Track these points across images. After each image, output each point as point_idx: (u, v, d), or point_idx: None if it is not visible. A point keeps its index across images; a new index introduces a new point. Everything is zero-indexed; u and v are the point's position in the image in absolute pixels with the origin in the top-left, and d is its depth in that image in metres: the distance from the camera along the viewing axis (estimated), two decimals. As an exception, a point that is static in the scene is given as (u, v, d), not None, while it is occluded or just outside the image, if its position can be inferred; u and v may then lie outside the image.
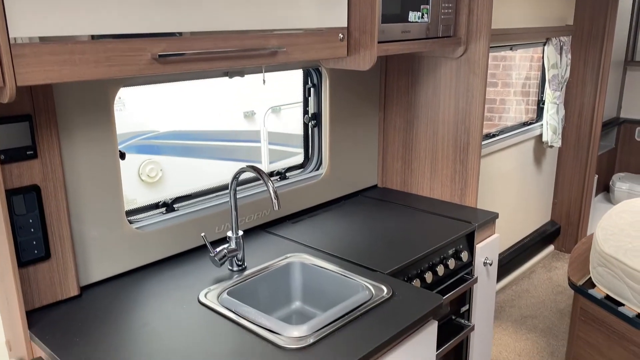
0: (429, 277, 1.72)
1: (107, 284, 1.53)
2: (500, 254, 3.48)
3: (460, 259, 1.87)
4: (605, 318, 2.27)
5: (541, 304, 3.31)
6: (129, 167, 2.50)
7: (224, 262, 1.56)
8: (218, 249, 1.56)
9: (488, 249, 2.00)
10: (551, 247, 4.04)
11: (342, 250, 1.72)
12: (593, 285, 2.41)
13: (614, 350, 2.25)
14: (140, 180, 2.53)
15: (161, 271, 1.60)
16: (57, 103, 1.35)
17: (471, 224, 1.93)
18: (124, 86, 1.49)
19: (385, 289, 1.46)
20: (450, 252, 1.84)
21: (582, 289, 2.38)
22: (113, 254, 1.53)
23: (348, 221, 1.98)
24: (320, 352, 1.20)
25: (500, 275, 3.49)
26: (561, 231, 4.03)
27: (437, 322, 1.47)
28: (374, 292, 1.44)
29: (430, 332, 1.44)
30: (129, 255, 1.57)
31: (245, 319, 1.33)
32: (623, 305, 2.24)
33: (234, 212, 1.59)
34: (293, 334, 1.26)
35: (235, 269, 1.60)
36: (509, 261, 3.51)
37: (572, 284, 2.45)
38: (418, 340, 1.40)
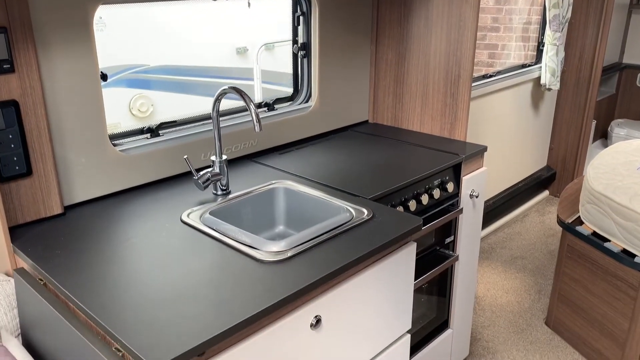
0: (412, 205, 1.73)
1: (91, 204, 1.54)
2: (493, 197, 3.50)
3: (445, 189, 1.88)
4: (591, 254, 2.30)
5: (532, 246, 3.35)
6: (120, 101, 2.49)
7: (207, 186, 1.57)
8: (201, 173, 1.57)
9: (475, 181, 2.00)
10: (546, 193, 4.06)
11: (326, 178, 1.73)
12: (581, 223, 2.43)
13: (598, 285, 2.28)
14: (131, 115, 2.52)
15: (145, 194, 1.62)
16: (33, 16, 1.32)
17: (458, 155, 1.92)
18: (104, 3, 1.46)
19: (365, 211, 1.47)
20: (436, 182, 1.85)
21: (570, 226, 2.40)
22: (97, 175, 1.54)
23: (336, 153, 1.97)
24: (297, 265, 1.22)
25: (493, 218, 3.52)
26: (556, 177, 4.03)
27: (415, 243, 1.49)
28: (354, 214, 1.45)
29: (409, 253, 1.46)
30: (114, 177, 1.58)
31: (225, 236, 1.35)
32: (609, 241, 2.26)
33: (217, 136, 1.58)
34: (272, 249, 1.28)
35: (219, 192, 1.61)
36: (502, 204, 3.53)
37: (560, 222, 2.46)
38: (397, 260, 1.42)
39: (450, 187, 1.88)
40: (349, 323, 1.32)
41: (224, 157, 1.60)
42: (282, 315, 1.16)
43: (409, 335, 1.56)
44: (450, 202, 1.93)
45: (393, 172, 1.78)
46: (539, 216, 3.75)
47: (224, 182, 1.61)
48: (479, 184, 2.03)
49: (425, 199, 1.77)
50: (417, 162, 1.86)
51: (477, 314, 2.69)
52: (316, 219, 1.55)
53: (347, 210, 1.47)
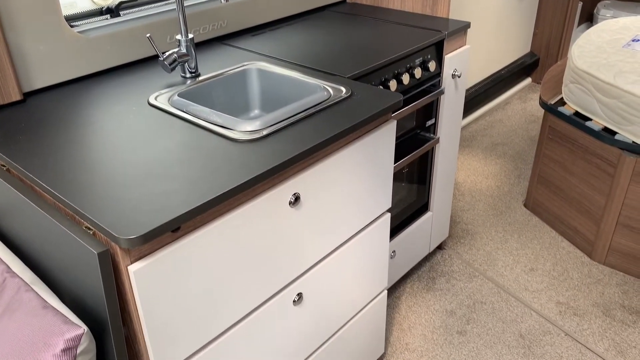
0: (393, 85, 1.67)
1: (52, 91, 1.45)
2: (475, 85, 3.43)
3: (427, 69, 1.80)
4: (572, 134, 2.29)
5: (513, 132, 3.34)
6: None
7: (174, 67, 1.47)
8: (167, 53, 1.47)
9: (457, 60, 1.93)
10: (528, 80, 4.00)
11: (302, 59, 1.64)
12: (563, 104, 2.40)
13: (577, 165, 2.29)
14: (92, 3, 2.33)
15: (110, 79, 1.52)
16: None
17: (441, 32, 1.83)
18: None
19: (343, 89, 1.40)
20: (418, 61, 1.77)
21: (552, 107, 2.37)
22: (56, 60, 1.44)
23: (312, 33, 1.86)
24: (274, 143, 1.17)
25: (475, 106, 3.48)
26: (539, 63, 3.95)
27: (396, 121, 1.44)
28: (332, 92, 1.39)
29: (389, 130, 1.41)
30: (74, 62, 1.48)
31: (196, 117, 1.28)
32: (590, 120, 2.24)
33: (181, 13, 1.46)
34: (246, 128, 1.22)
35: (187, 75, 1.52)
36: (484, 92, 3.48)
37: (543, 103, 2.43)
38: (377, 138, 1.38)
39: (432, 66, 1.80)
40: (329, 201, 1.31)
41: (191, 35, 1.50)
42: (259, 192, 1.13)
43: (389, 214, 1.55)
44: (432, 83, 1.87)
45: (372, 51, 1.69)
46: (521, 103, 3.72)
47: (192, 64, 1.52)
48: (461, 63, 1.96)
49: (406, 78, 1.70)
50: (397, 41, 1.77)
51: (457, 199, 2.72)
52: (292, 99, 1.49)
53: (324, 89, 1.40)
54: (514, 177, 2.90)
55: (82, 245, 0.92)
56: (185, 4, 1.75)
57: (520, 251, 2.37)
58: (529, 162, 3.03)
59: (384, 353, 1.90)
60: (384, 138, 1.41)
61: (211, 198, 0.99)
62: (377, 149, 1.40)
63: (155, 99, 1.38)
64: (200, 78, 1.49)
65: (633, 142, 2.05)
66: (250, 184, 1.05)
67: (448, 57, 1.88)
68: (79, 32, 1.48)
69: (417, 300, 2.13)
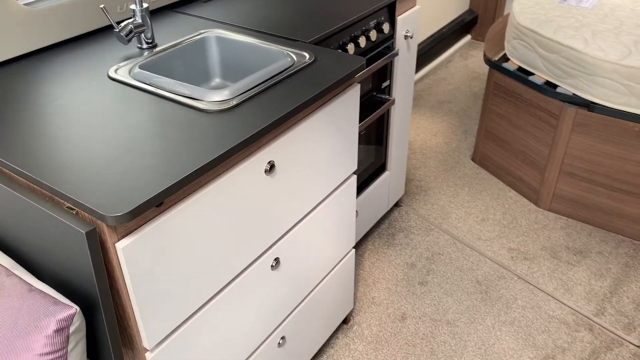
0: (351, 48, 1.69)
1: (2, 68, 1.38)
2: (419, 44, 3.49)
3: (381, 31, 1.83)
4: (516, 89, 2.40)
5: (457, 90, 3.45)
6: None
7: (131, 39, 1.43)
8: (122, 24, 1.42)
9: (409, 21, 1.96)
10: (468, 37, 4.10)
11: (259, 24, 1.62)
12: (506, 60, 2.50)
13: (522, 118, 2.41)
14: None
15: (62, 53, 1.46)
16: None
17: (392, -6, 1.85)
18: None
19: (307, 55, 1.41)
20: (372, 24, 1.79)
21: (497, 63, 2.46)
22: (3, 35, 1.36)
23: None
24: (244, 112, 1.18)
25: (419, 65, 3.55)
26: (478, 20, 4.05)
27: (359, 84, 1.47)
28: (295, 58, 1.39)
29: (354, 94, 1.44)
30: (23, 36, 1.41)
31: (161, 89, 1.26)
32: (533, 74, 2.35)
33: (135, -19, 1.42)
34: (214, 98, 1.22)
35: (144, 46, 1.48)
36: (427, 51, 3.55)
37: (487, 60, 2.52)
38: (342, 102, 1.41)
39: (385, 28, 1.83)
40: (301, 166, 1.33)
41: (145, 5, 1.45)
42: (236, 162, 1.14)
43: (355, 176, 1.60)
44: (386, 45, 1.90)
45: (328, 15, 1.70)
46: (462, 60, 3.82)
47: (148, 35, 1.48)
48: (413, 24, 2.00)
49: (362, 41, 1.73)
50: (351, 4, 1.78)
51: (409, 157, 2.81)
52: (255, 67, 1.48)
53: (287, 55, 1.40)
54: (460, 133, 3.01)
55: (67, 225, 0.92)
56: (132, -30, 1.68)
57: (472, 203, 2.49)
58: (473, 117, 3.15)
59: (353, 308, 1.98)
60: (349, 102, 1.44)
61: (192, 171, 0.99)
62: (343, 113, 1.43)
63: (116, 72, 1.34)
64: (158, 49, 1.46)
65: (573, 94, 2.18)
66: (228, 155, 1.06)
67: (400, 19, 1.91)
68: (25, 4, 1.41)
69: (379, 256, 2.22)
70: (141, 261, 0.98)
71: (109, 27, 1.61)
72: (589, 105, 2.14)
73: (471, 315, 1.96)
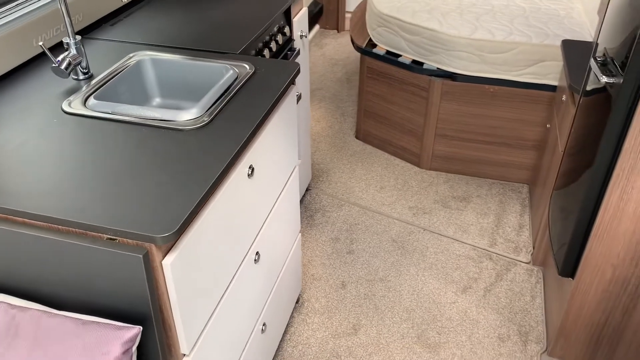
0: (267, 54, 1.85)
1: (-62, 120, 1.31)
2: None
3: (284, 34, 2.01)
4: (387, 70, 2.74)
5: (323, 77, 3.75)
6: None
7: (70, 71, 1.44)
8: (60, 58, 1.43)
9: (302, 22, 2.17)
10: (317, 27, 4.42)
11: (182, 41, 1.71)
12: (374, 45, 2.83)
13: (396, 95, 2.77)
14: None
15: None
16: None
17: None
18: None
19: (247, 66, 1.55)
20: (276, 29, 1.96)
21: (367, 50, 2.78)
22: None
23: (168, 14, 1.91)
24: (221, 126, 1.30)
25: (284, 58, 3.77)
26: (324, 10, 4.39)
27: (295, 85, 1.65)
28: (238, 70, 1.53)
29: (293, 95, 1.62)
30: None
31: (129, 116, 1.32)
32: (400, 56, 2.71)
33: (64, 10, 1.42)
34: (187, 118, 1.31)
35: (81, 77, 1.50)
36: (289, 44, 3.78)
37: (357, 48, 2.82)
38: (287, 104, 1.58)
39: (287, 30, 2.02)
40: (268, 165, 1.48)
41: (78, 37, 1.47)
42: (229, 172, 1.26)
43: (297, 167, 1.78)
44: (289, 47, 2.09)
45: (238, 25, 1.83)
46: (319, 49, 4.13)
47: (84, 65, 1.49)
48: (303, 24, 2.21)
49: (274, 46, 1.90)
50: (254, 12, 1.93)
51: (302, 144, 3.04)
52: (199, 83, 1.58)
53: (230, 69, 1.53)
54: (339, 116, 3.31)
55: (119, 254, 0.98)
56: (31, 5, 1.65)
57: (368, 175, 2.80)
58: (345, 100, 3.47)
59: (302, 288, 2.17)
60: (290, 102, 1.61)
61: (211, 183, 1.11)
62: (288, 113, 1.60)
63: (70, 105, 1.36)
64: (98, 78, 1.49)
65: (437, 68, 2.58)
66: (230, 165, 1.19)
67: (295, 21, 2.11)
68: (-54, 50, 1.34)
69: (305, 237, 2.42)
70: (181, 274, 1.08)
71: (30, 61, 1.58)
72: (452, 76, 2.56)
73: (397, 270, 2.27)
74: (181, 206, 1.04)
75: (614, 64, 1.49)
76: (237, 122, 1.31)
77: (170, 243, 1.04)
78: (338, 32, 4.44)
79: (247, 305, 1.49)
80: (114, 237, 1.02)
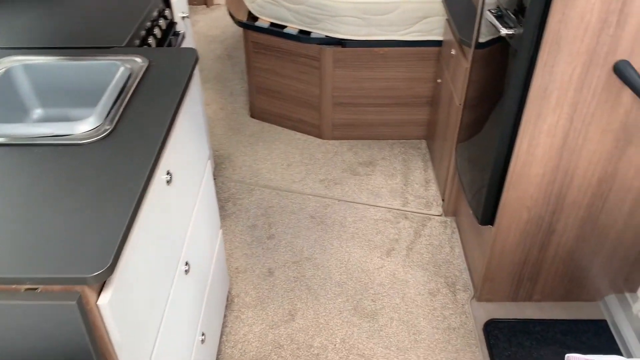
0: (152, 41, 1.67)
1: None
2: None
3: (165, 17, 1.84)
4: (274, 43, 2.64)
5: (202, 57, 3.55)
6: None
7: None
8: None
9: (180, 3, 2.00)
10: (185, 4, 4.16)
11: (54, 40, 1.49)
12: (256, 19, 2.70)
13: (287, 67, 2.68)
14: None
15: None
16: None
17: (161, -21, 1.86)
18: None
19: (138, 59, 1.39)
20: (156, 13, 1.78)
21: (249, 24, 2.65)
22: None
23: (29, 10, 1.66)
24: (126, 133, 1.15)
25: (157, 42, 3.51)
26: (189, -15, 4.13)
27: (198, 73, 1.51)
28: (130, 65, 1.36)
29: (196, 83, 1.48)
30: None
31: (14, 137, 1.12)
32: (286, 27, 2.62)
33: None
34: (85, 129, 1.15)
35: (-63, 97, 1.25)
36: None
37: (239, 23, 2.69)
38: (191, 94, 1.44)
39: (168, 14, 1.84)
40: (185, 165, 1.35)
41: None
42: (149, 183, 1.12)
43: (209, 161, 1.66)
44: (173, 31, 1.91)
45: (115, 14, 1.64)
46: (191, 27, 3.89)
47: (-62, 82, 1.24)
48: (183, 4, 2.03)
49: (158, 32, 1.72)
50: (121, 2, 1.74)
51: (196, 132, 2.87)
52: (88, 85, 1.38)
53: (120, 65, 1.36)
54: (228, 96, 3.17)
55: (47, 306, 0.83)
56: None
57: (272, 154, 2.72)
58: (231, 79, 3.32)
59: (229, 285, 2.07)
60: (195, 92, 1.47)
61: (133, 207, 0.97)
62: (193, 104, 1.47)
63: None
64: (-40, 95, 1.25)
65: (326, 36, 2.52)
66: (149, 176, 1.05)
67: (174, 2, 1.94)
68: None
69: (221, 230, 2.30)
70: (120, 310, 0.94)
71: None
72: (342, 42, 2.52)
73: (321, 245, 2.24)
74: (107, 234, 0.90)
75: (510, 15, 1.53)
76: (145, 125, 1.17)
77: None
78: (207, 6, 4.22)
79: (186, 319, 1.37)
80: (34, 287, 0.86)
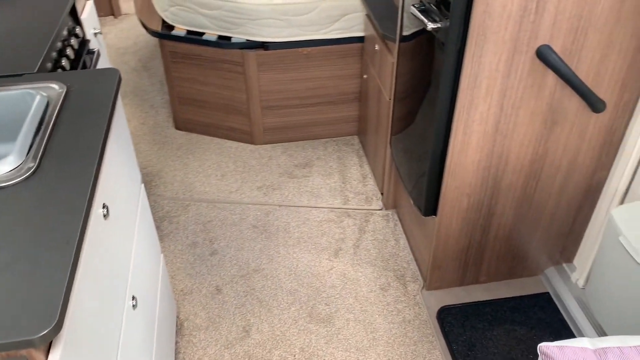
0: (66, 63, 1.55)
1: None
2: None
3: (77, 35, 1.71)
4: (194, 51, 2.55)
5: (121, 63, 3.37)
6: None
7: None
8: None
9: (91, 18, 1.87)
10: (90, 15, 3.94)
11: (-48, 71, 1.34)
12: (172, 27, 2.60)
13: (210, 75, 2.60)
14: None
15: None
16: None
17: (67, -5, 1.73)
18: None
19: (55, 86, 1.28)
20: (66, 32, 1.66)
21: (165, 34, 2.54)
22: None
23: None
24: (53, 170, 1.05)
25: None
26: (92, -4, 3.91)
27: (119, 95, 1.42)
28: (47, 93, 1.25)
29: (120, 108, 1.39)
30: None
31: None
32: (204, 33, 2.53)
33: None
34: (5, 169, 1.04)
35: None
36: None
37: (153, 33, 2.57)
38: (117, 117, 1.35)
39: (79, 31, 1.72)
40: (120, 195, 1.26)
41: None
42: (86, 221, 1.03)
43: (143, 185, 1.57)
44: (86, 49, 1.79)
45: (19, 36, 1.50)
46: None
47: None
48: (94, 20, 1.91)
49: (71, 52, 1.60)
50: (32, 18, 1.60)
51: (120, 150, 2.72)
52: (4, 119, 1.26)
53: (35, 94, 1.24)
54: (149, 109, 3.03)
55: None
56: None
57: (203, 166, 2.63)
58: (149, 91, 3.18)
59: (177, 309, 1.98)
60: (119, 115, 1.38)
61: (74, 252, 0.89)
62: (120, 128, 1.37)
63: None
64: None
65: (247, 40, 2.46)
66: (86, 216, 0.97)
67: (84, 18, 1.81)
68: None
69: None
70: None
71: None
72: (264, 45, 2.47)
73: (267, 255, 2.19)
74: (49, 287, 0.82)
75: (433, 8, 1.55)
76: (72, 157, 1.07)
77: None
78: (115, 17, 4.02)
79: (139, 357, 1.29)
80: (-30, 359, 0.76)
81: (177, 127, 2.86)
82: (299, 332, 1.91)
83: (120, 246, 1.23)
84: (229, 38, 2.49)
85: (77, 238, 0.90)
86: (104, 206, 1.13)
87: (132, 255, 1.34)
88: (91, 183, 1.01)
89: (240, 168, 2.62)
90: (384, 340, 1.88)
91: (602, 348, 0.86)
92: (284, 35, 2.44)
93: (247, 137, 2.75)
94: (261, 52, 2.47)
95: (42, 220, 0.93)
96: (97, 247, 1.05)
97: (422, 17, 1.55)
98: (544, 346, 0.88)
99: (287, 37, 2.45)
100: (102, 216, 1.11)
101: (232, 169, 2.61)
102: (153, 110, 3.01)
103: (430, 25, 1.51)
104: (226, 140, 2.79)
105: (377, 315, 1.96)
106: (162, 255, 1.73)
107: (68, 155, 1.08)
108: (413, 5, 1.63)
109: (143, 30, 3.76)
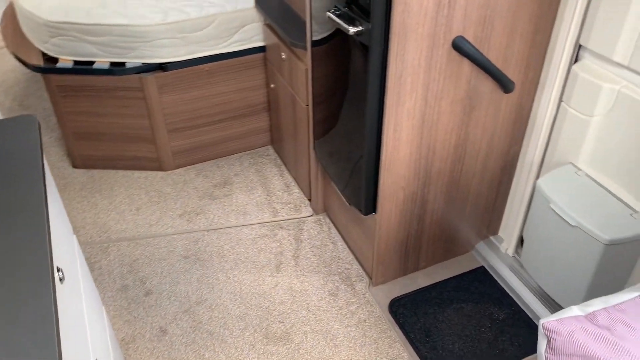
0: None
1: None
2: None
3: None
4: (84, 82, 2.36)
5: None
6: None
7: None
8: None
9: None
10: (-59, 56, 3.50)
11: None
12: (55, 60, 2.38)
13: (106, 105, 2.43)
14: None
15: None
16: None
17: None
18: None
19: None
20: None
21: (49, 67, 2.33)
22: None
23: None
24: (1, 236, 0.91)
25: None
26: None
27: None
28: (-45, 153, 1.08)
29: (43, 159, 1.24)
30: None
31: None
32: (94, 62, 2.35)
33: None
34: None
35: None
36: None
37: (35, 68, 2.34)
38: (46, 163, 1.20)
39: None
40: (64, 254, 1.13)
41: None
42: (55, 295, 0.91)
43: (76, 239, 1.42)
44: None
45: None
46: (-40, 82, 3.30)
47: None
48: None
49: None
50: None
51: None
52: None
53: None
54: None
55: None
56: None
57: (114, 202, 2.45)
58: (43, 128, 2.89)
59: (121, 361, 1.82)
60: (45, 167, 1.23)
61: (56, 336, 0.78)
62: (48, 179, 1.23)
63: None
64: None
65: (143, 63, 2.33)
66: (54, 290, 0.85)
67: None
68: None
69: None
70: None
71: None
72: (162, 67, 2.35)
73: (207, 284, 2.09)
74: (40, 378, 0.71)
75: (349, 13, 1.56)
76: (13, 224, 0.94)
77: None
78: (-29, 54, 3.61)
79: None
80: None
81: (75, 166, 2.64)
82: (259, 357, 1.84)
83: (76, 310, 1.11)
84: (122, 64, 2.33)
85: (54, 320, 0.79)
86: (59, 269, 1.00)
87: (86, 317, 1.21)
88: (47, 249, 0.90)
89: (155, 198, 2.47)
90: (345, 345, 1.88)
91: (591, 312, 0.92)
92: (182, 53, 2.34)
93: (155, 164, 2.60)
94: (160, 74, 2.35)
95: (3, 304, 0.81)
96: (65, 316, 0.93)
97: (341, 22, 1.56)
98: (546, 322, 0.93)
99: (186, 55, 2.35)
100: (58, 280, 0.99)
101: (146, 201, 2.46)
102: (44, 151, 2.74)
103: (352, 30, 1.52)
104: (133, 171, 2.62)
105: (333, 322, 1.95)
106: (103, 307, 1.58)
107: (9, 223, 0.94)
108: (329, 10, 1.63)
109: (11, 66, 3.42)
